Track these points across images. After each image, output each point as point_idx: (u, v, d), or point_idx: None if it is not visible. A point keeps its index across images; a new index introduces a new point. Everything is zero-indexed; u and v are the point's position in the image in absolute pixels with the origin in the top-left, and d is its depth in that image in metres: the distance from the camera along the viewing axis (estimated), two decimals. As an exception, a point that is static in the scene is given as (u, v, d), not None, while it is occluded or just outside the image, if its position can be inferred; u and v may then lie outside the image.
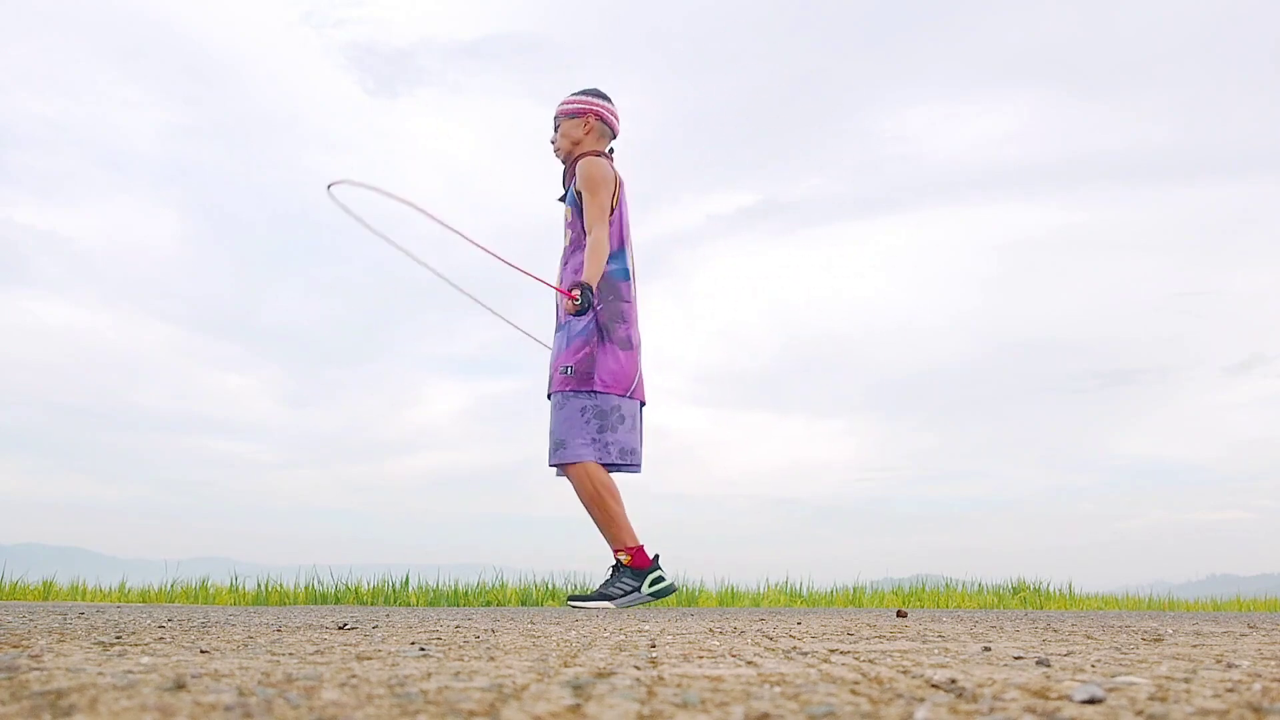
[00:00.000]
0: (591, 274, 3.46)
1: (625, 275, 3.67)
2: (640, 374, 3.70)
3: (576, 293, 3.39)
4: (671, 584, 3.61)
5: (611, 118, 3.85)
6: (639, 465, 3.75)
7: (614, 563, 3.63)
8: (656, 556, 3.61)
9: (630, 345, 3.64)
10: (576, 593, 3.75)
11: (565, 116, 3.83)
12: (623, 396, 3.62)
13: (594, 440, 3.57)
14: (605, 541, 3.67)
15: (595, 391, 3.58)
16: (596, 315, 3.59)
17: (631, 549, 3.59)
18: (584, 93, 3.85)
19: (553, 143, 3.85)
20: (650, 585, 3.58)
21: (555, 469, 3.67)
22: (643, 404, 3.79)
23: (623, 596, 3.52)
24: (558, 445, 3.62)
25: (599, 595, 3.55)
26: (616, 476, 3.74)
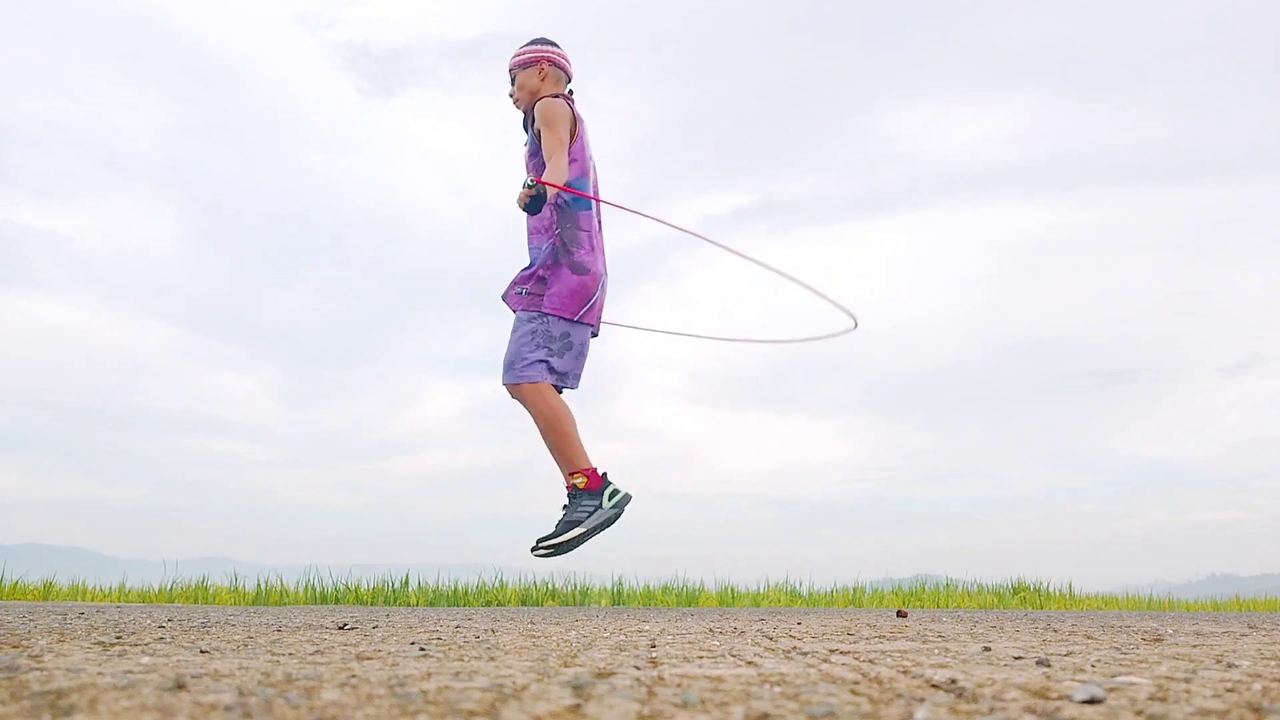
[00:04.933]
0: (548, 179, 3.49)
1: (585, 204, 3.72)
2: (596, 301, 3.72)
3: (527, 183, 3.41)
4: (627, 493, 3.63)
5: (564, 61, 3.93)
6: (575, 385, 3.78)
7: (570, 491, 3.62)
8: (605, 474, 3.63)
9: (584, 270, 3.66)
10: (541, 538, 3.69)
11: (520, 68, 3.90)
12: (571, 321, 3.65)
13: (540, 362, 3.60)
14: (558, 467, 3.66)
15: (545, 314, 3.62)
16: (554, 240, 3.62)
17: (586, 470, 3.59)
18: (533, 42, 3.92)
19: (512, 96, 3.90)
20: (610, 499, 3.59)
21: (507, 389, 3.68)
22: (594, 333, 3.81)
23: (588, 516, 3.53)
24: (508, 365, 3.65)
25: (566, 525, 3.55)
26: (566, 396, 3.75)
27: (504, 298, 3.79)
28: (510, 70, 3.90)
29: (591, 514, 3.53)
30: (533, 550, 3.62)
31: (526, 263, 3.78)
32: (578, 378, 3.74)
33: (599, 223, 3.76)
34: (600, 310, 3.75)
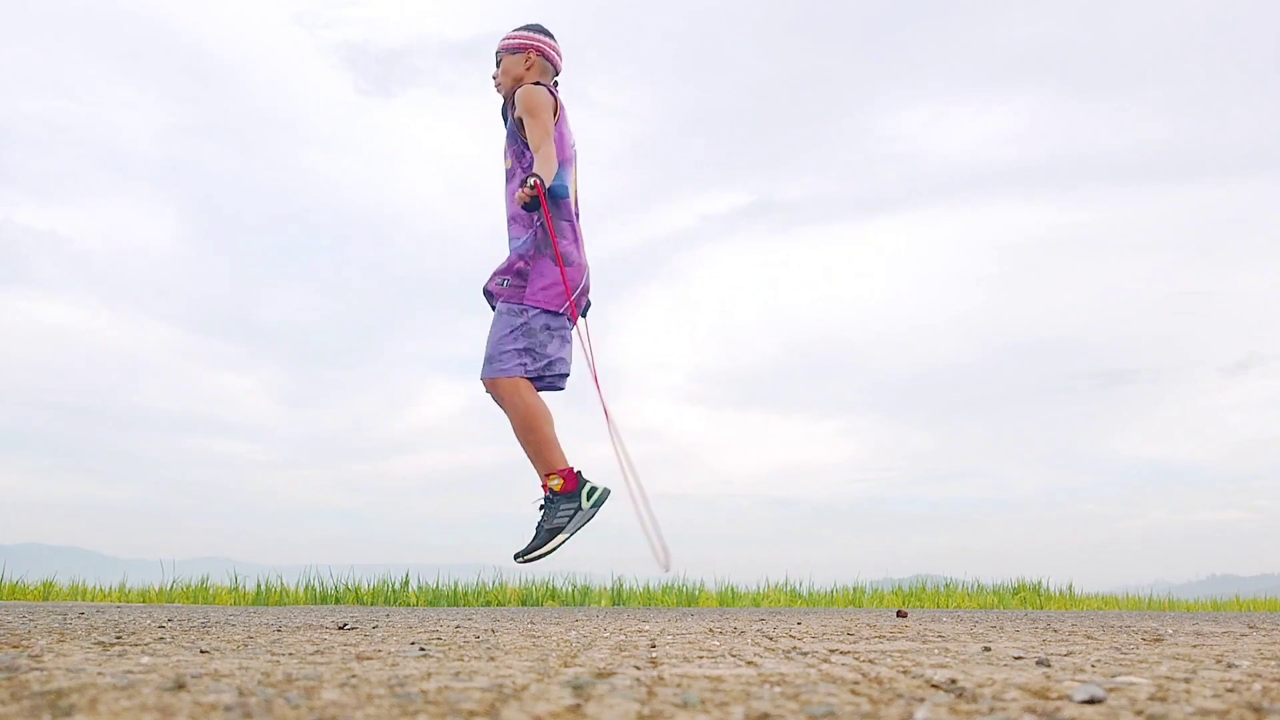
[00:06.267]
0: (543, 173, 3.42)
1: (566, 193, 3.64)
2: (580, 293, 3.65)
3: (530, 184, 3.33)
4: (605, 488, 3.56)
5: (553, 53, 3.85)
6: (564, 381, 3.70)
7: (545, 496, 3.56)
8: (580, 472, 3.57)
9: (568, 261, 3.59)
10: (523, 548, 3.61)
11: (506, 52, 3.82)
12: (554, 313, 3.58)
13: (519, 354, 3.53)
14: (533, 466, 3.59)
15: (526, 306, 3.55)
16: (535, 230, 3.56)
17: (562, 471, 3.52)
18: (525, 28, 3.84)
19: (494, 79, 3.83)
20: (588, 498, 3.53)
21: (484, 384, 3.62)
22: (573, 321, 3.72)
23: (569, 520, 3.47)
24: (486, 359, 3.59)
25: (548, 534, 3.50)
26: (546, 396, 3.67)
27: (484, 289, 3.73)
28: (497, 53, 3.83)
29: (573, 517, 3.48)
30: (516, 558, 3.57)
31: (507, 253, 3.71)
32: (562, 366, 3.68)
33: (577, 210, 3.69)
34: (583, 302, 3.69)
